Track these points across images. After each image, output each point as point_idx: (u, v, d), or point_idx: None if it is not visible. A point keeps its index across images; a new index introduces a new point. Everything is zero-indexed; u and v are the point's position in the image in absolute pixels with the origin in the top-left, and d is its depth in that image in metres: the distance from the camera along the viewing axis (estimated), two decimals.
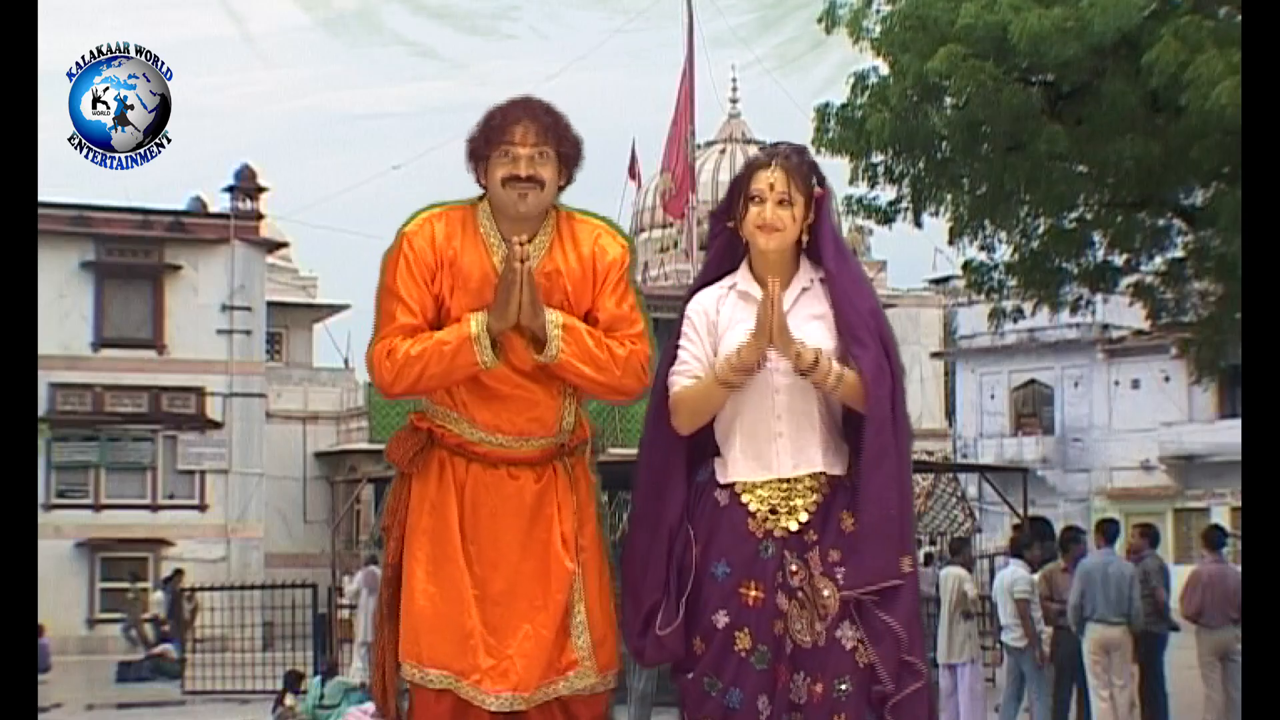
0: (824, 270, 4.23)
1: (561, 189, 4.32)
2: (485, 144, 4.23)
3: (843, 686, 4.03)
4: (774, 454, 4.17)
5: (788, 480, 4.16)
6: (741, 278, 4.28)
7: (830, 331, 4.18)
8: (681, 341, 4.26)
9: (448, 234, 4.27)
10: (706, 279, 4.35)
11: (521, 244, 4.15)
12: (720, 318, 4.25)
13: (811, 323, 4.19)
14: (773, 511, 4.15)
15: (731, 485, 4.20)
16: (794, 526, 4.13)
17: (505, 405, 4.26)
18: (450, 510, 4.26)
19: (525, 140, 4.21)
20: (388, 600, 4.35)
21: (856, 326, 4.15)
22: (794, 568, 4.11)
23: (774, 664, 4.10)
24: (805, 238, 4.24)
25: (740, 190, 4.23)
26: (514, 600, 4.23)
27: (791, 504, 4.14)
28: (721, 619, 4.11)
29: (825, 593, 4.07)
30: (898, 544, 4.09)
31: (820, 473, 4.17)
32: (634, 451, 4.38)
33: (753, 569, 4.12)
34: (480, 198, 4.35)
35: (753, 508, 4.16)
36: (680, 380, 4.20)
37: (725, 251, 4.33)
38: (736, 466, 4.21)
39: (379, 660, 4.42)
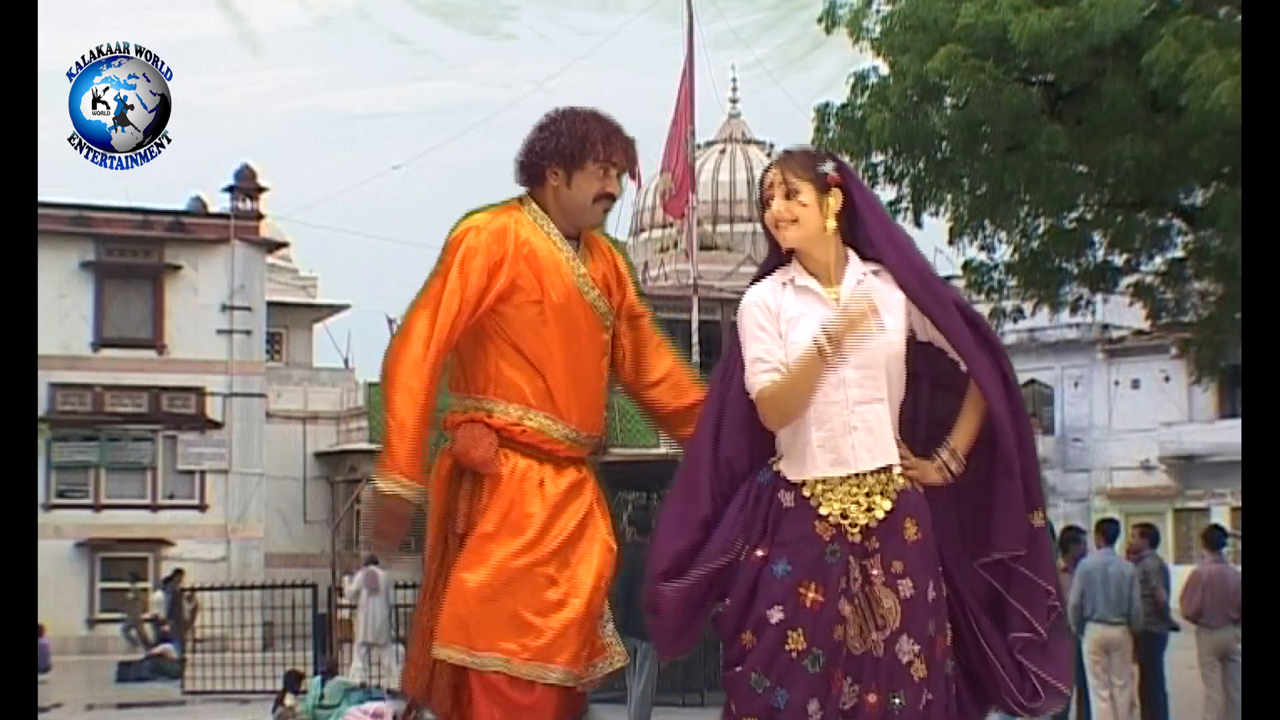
0: (875, 261, 4.20)
1: None
2: (584, 153, 4.41)
3: (896, 700, 4.02)
4: (849, 448, 4.11)
5: (862, 475, 4.12)
6: (796, 273, 4.23)
7: (888, 322, 4.13)
8: (750, 341, 4.18)
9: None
10: (758, 276, 4.33)
11: None
12: (782, 310, 4.19)
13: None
14: (844, 515, 4.10)
15: (800, 485, 4.13)
16: (860, 534, 4.10)
17: (590, 408, 4.46)
18: (541, 514, 4.36)
19: (621, 162, 4.48)
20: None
21: (956, 337, 4.20)
22: (855, 574, 4.08)
23: (829, 669, 4.05)
24: (831, 223, 4.18)
25: (761, 202, 4.26)
26: (593, 590, 4.39)
27: (863, 507, 4.11)
28: (775, 615, 4.05)
29: (886, 603, 4.05)
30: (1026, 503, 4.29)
31: (890, 466, 4.13)
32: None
33: (816, 571, 4.07)
34: (521, 203, 4.47)
35: (823, 510, 4.11)
36: (764, 377, 4.12)
37: (775, 250, 4.32)
38: (814, 463, 4.13)
39: (428, 660, 4.38)
